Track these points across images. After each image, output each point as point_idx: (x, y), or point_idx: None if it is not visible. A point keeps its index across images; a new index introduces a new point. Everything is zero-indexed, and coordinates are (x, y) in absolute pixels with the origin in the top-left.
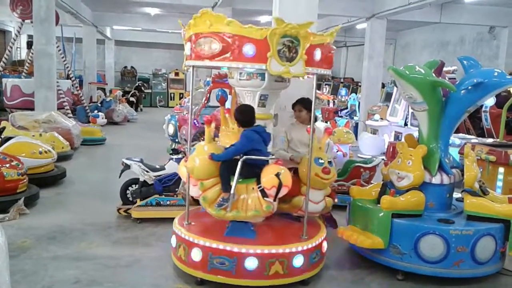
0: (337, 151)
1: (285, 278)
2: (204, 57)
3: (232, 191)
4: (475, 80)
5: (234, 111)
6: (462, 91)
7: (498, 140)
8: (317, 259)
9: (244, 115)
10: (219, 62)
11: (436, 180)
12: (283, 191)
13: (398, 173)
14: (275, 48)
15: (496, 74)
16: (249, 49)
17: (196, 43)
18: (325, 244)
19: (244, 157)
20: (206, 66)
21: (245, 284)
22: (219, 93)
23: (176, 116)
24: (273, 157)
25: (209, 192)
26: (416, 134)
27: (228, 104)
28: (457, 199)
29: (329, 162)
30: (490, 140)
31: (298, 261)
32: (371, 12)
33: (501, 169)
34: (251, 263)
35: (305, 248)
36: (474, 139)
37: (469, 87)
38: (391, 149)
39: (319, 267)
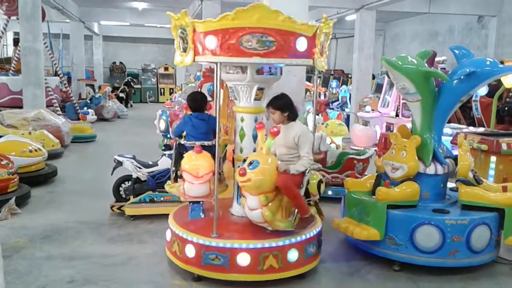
0: (330, 143)
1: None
2: None
3: (171, 169)
4: (467, 70)
5: (187, 97)
6: (455, 81)
7: (489, 129)
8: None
9: (193, 102)
10: None
11: (430, 170)
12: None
13: (392, 164)
14: (177, 40)
15: (488, 63)
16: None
17: None
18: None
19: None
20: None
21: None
22: (211, 87)
23: (168, 112)
24: (193, 142)
25: None
26: (408, 125)
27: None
28: (450, 189)
29: (251, 164)
30: (481, 129)
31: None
32: (360, 3)
33: (493, 158)
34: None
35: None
36: (465, 128)
37: (462, 77)
38: (383, 140)
39: (315, 261)
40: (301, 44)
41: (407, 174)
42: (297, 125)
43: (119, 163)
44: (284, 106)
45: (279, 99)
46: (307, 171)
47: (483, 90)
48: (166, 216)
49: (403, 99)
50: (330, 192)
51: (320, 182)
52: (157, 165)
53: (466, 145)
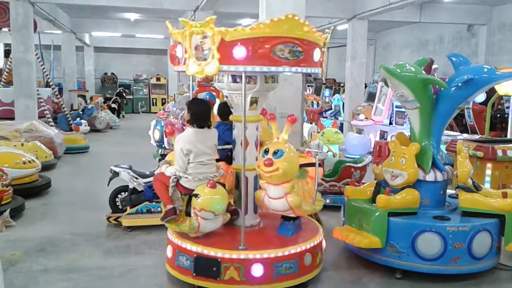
0: (327, 152)
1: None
2: None
3: None
4: (465, 77)
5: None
6: (453, 88)
7: (483, 136)
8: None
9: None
10: None
11: (430, 177)
12: None
13: (392, 172)
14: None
15: (486, 70)
16: None
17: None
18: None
19: None
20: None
21: None
22: (207, 96)
23: (162, 122)
24: None
25: None
26: (406, 133)
27: (215, 108)
28: (449, 196)
29: None
30: (476, 136)
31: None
32: (352, 13)
33: (489, 165)
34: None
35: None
36: (459, 135)
37: (460, 84)
38: (377, 148)
39: (317, 270)
40: (178, 51)
41: (407, 181)
42: (184, 132)
43: (116, 174)
44: (189, 107)
45: (192, 101)
46: (172, 177)
47: (481, 97)
48: (163, 227)
49: (397, 107)
50: (328, 201)
51: (194, 196)
52: (153, 175)
53: (465, 152)
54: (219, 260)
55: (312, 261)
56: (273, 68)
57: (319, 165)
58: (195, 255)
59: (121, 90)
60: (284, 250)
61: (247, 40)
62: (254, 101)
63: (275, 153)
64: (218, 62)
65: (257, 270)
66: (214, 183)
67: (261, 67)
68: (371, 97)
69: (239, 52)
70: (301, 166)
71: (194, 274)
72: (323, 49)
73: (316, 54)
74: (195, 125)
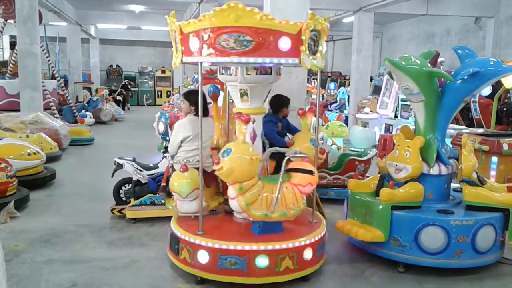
0: (332, 145)
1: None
2: None
3: None
4: (471, 70)
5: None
6: (459, 81)
7: (489, 129)
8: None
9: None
10: None
11: (434, 171)
12: None
13: (396, 165)
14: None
15: (492, 63)
16: None
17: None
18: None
19: None
20: None
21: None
22: (211, 89)
23: (167, 114)
24: None
25: None
26: (411, 126)
27: (220, 100)
28: (454, 189)
29: None
30: (481, 130)
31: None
32: (358, 5)
33: (494, 159)
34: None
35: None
36: (465, 129)
37: (466, 77)
38: (382, 142)
39: (320, 263)
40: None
41: (411, 174)
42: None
43: (119, 166)
44: (190, 100)
45: (190, 93)
46: (168, 160)
47: (487, 91)
48: (167, 218)
49: (402, 101)
50: (331, 194)
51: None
52: (157, 167)
53: (470, 146)
54: (178, 239)
55: (271, 265)
56: (221, 59)
57: (311, 172)
58: (170, 232)
59: (126, 83)
60: (229, 244)
61: (198, 32)
62: (243, 93)
63: (224, 152)
64: (181, 54)
65: (202, 257)
66: (185, 167)
67: (208, 58)
68: (377, 90)
69: (194, 43)
70: (288, 170)
71: (169, 248)
72: (302, 37)
73: (284, 43)
74: (195, 114)
